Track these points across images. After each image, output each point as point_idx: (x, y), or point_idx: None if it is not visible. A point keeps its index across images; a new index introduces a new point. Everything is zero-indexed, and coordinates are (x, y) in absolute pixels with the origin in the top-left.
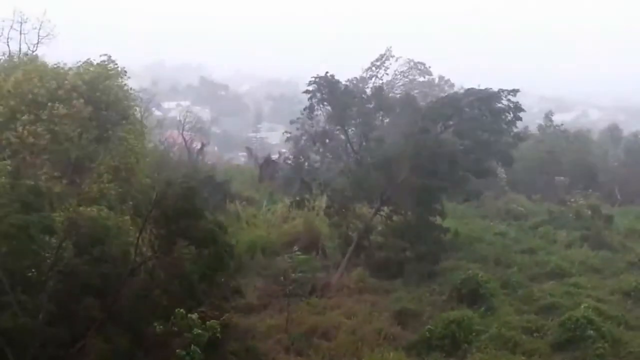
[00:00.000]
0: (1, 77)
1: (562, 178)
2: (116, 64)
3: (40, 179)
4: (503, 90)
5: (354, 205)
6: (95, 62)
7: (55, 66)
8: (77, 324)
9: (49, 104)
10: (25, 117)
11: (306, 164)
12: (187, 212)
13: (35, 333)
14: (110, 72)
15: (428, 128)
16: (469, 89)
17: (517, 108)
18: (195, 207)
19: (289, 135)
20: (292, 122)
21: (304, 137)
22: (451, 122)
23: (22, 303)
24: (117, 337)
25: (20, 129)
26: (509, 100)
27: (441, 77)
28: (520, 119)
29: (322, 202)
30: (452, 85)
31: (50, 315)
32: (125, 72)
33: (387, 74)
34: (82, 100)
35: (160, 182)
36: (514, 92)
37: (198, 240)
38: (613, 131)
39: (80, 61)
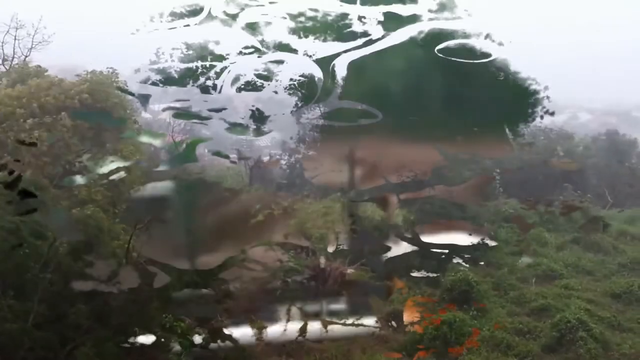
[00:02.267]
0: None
1: (569, 185)
2: (117, 73)
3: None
4: None
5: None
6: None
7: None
8: (66, 327)
9: (54, 116)
10: (30, 121)
11: (298, 165)
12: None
13: (25, 337)
14: (113, 81)
15: None
16: None
17: None
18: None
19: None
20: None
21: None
22: None
23: (11, 307)
24: (105, 341)
25: (23, 135)
26: None
27: None
28: None
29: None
30: None
31: (40, 318)
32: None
33: None
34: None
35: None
36: None
37: None
38: (612, 136)
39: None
